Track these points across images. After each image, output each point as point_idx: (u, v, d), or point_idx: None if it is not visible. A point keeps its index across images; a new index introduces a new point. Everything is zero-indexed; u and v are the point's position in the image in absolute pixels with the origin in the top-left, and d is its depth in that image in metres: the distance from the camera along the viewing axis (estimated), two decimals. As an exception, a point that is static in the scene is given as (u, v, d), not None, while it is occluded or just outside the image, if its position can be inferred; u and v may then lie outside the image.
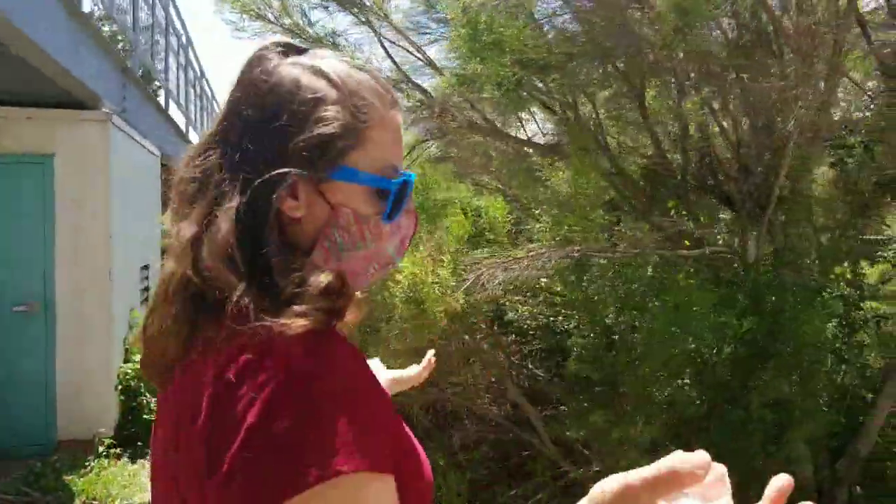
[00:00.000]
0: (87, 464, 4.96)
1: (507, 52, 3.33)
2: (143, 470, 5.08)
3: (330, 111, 0.78)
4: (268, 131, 0.77)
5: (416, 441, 0.84)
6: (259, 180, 0.75)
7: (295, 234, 0.79)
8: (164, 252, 1.40)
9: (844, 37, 3.36)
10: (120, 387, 5.56)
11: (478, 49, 3.34)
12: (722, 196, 4.06)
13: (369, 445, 0.67)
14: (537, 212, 4.43)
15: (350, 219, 0.80)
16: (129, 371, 5.58)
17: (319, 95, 0.78)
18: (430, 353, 1.48)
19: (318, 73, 0.80)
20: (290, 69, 0.80)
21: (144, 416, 5.52)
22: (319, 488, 0.64)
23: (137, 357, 2.16)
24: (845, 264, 4.09)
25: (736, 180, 3.87)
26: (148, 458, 2.36)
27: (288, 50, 0.83)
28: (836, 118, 3.90)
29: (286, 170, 0.75)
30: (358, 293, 0.87)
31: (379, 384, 0.76)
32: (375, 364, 1.36)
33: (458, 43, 3.53)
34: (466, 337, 4.08)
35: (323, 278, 0.73)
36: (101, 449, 5.15)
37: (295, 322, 0.69)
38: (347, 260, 0.82)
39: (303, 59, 0.82)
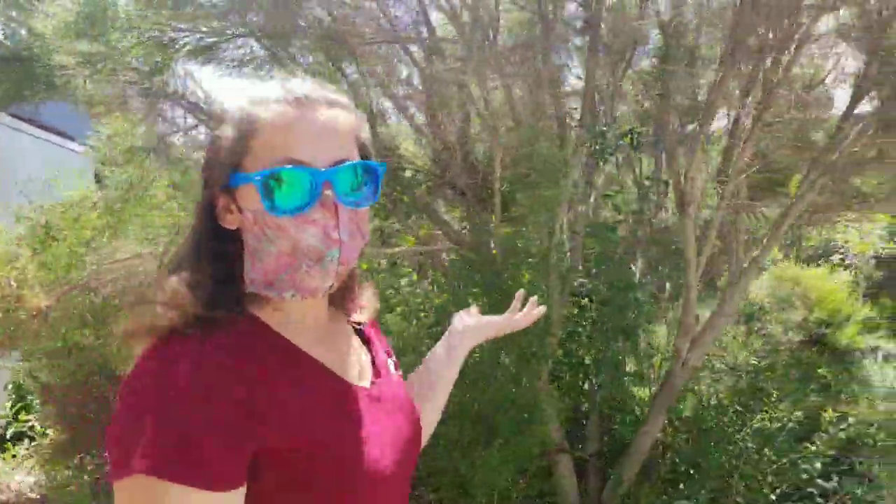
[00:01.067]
0: None
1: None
2: None
3: (221, 128, 0.89)
4: (206, 158, 0.93)
5: (340, 435, 0.88)
6: (198, 203, 0.91)
7: (244, 244, 0.90)
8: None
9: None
10: None
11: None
12: (457, 190, 4.04)
13: (171, 451, 0.74)
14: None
15: (251, 219, 0.87)
16: None
17: (218, 117, 0.91)
18: (520, 293, 1.43)
19: (223, 105, 0.92)
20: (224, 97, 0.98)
21: None
22: (119, 483, 0.75)
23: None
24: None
25: (466, 173, 3.86)
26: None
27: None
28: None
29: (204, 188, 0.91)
30: (302, 290, 0.90)
31: (231, 389, 0.79)
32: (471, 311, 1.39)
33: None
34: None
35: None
36: None
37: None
38: (265, 260, 0.88)
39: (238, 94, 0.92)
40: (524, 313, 1.40)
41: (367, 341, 1.08)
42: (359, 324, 1.08)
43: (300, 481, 0.83)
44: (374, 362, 1.04)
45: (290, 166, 0.84)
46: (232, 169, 0.87)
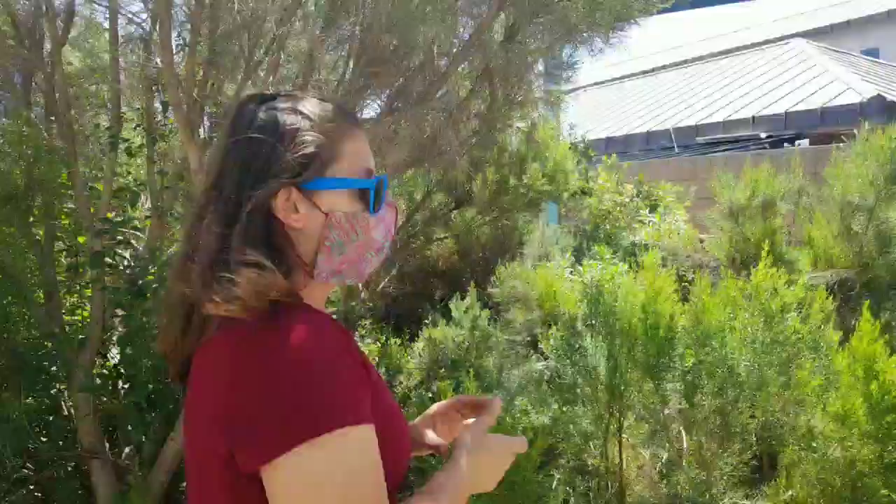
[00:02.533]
0: None
1: None
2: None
3: (307, 136, 0.98)
4: (258, 162, 0.97)
5: (395, 410, 1.03)
6: (255, 194, 0.95)
7: (300, 241, 0.99)
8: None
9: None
10: None
11: None
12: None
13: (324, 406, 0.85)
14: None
15: (342, 219, 1.00)
16: None
17: (296, 126, 0.99)
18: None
19: (292, 110, 1.00)
20: (269, 113, 1.00)
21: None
22: (297, 450, 0.83)
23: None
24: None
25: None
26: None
27: (264, 99, 1.03)
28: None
29: (277, 182, 0.96)
30: (361, 277, 1.06)
31: (343, 353, 0.90)
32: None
33: None
34: None
35: (243, 274, 0.91)
36: None
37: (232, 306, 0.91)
38: (346, 253, 1.01)
39: (276, 103, 1.01)
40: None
41: None
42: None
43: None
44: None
45: (375, 176, 1.04)
46: (318, 174, 0.98)
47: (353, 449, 0.85)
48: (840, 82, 8.26)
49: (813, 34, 14.21)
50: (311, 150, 0.97)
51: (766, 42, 12.25)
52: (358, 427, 0.85)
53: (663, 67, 14.06)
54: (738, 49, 12.46)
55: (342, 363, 0.88)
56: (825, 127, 7.53)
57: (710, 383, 2.48)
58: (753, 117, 8.42)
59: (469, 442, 1.04)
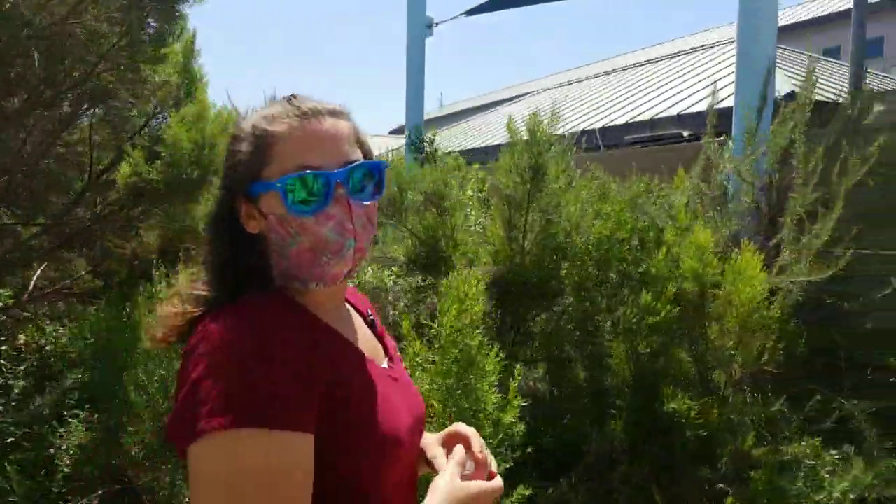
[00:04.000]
0: None
1: None
2: None
3: (242, 144, 1.00)
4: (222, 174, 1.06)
5: (384, 398, 0.99)
6: (214, 206, 1.06)
7: (265, 245, 1.01)
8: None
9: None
10: None
11: None
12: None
13: (244, 402, 0.81)
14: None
15: (275, 222, 0.98)
16: None
17: (236, 133, 1.03)
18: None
19: (243, 118, 1.04)
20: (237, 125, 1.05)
21: None
22: (196, 445, 0.82)
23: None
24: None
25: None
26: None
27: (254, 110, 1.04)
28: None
29: (227, 193, 1.03)
30: (325, 279, 1.00)
31: (274, 348, 0.86)
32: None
33: None
34: None
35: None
36: None
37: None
38: (289, 257, 0.99)
39: (246, 116, 1.04)
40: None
41: (376, 332, 1.19)
42: (368, 315, 1.20)
43: (346, 441, 0.91)
44: (385, 348, 1.17)
45: (306, 171, 0.96)
46: (252, 180, 0.98)
47: (246, 453, 0.80)
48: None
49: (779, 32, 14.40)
50: (241, 157, 0.99)
51: (718, 43, 12.47)
52: (257, 430, 0.80)
53: (613, 70, 14.31)
54: (691, 50, 12.70)
55: (263, 359, 0.84)
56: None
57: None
58: (679, 115, 8.70)
59: (442, 488, 0.98)
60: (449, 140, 11.01)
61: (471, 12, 5.79)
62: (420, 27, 5.87)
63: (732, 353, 2.83)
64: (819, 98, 7.62)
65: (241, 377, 0.82)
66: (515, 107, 13.23)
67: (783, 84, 8.25)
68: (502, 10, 6.04)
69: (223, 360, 0.83)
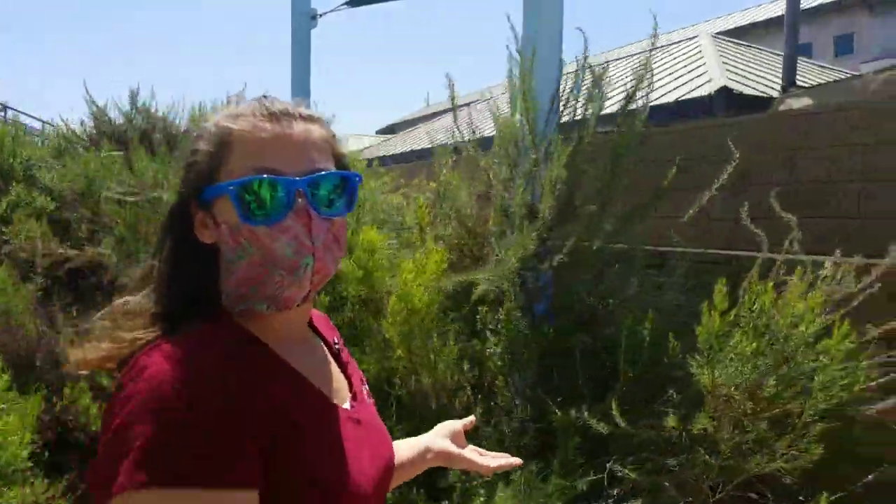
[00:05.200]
0: None
1: None
2: None
3: (200, 144, 0.89)
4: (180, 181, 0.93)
5: (339, 449, 0.88)
6: (167, 214, 0.93)
7: (220, 256, 0.89)
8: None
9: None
10: None
11: None
12: None
13: (163, 459, 0.70)
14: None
15: (226, 231, 0.86)
16: None
17: (197, 134, 0.92)
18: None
19: (202, 127, 0.92)
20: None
21: None
22: (124, 497, 0.70)
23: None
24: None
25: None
26: None
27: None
28: None
29: (178, 198, 0.92)
30: (276, 301, 0.88)
31: (220, 396, 0.76)
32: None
33: None
34: None
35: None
36: None
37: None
38: (238, 270, 0.86)
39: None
40: (495, 463, 1.27)
41: (342, 363, 1.06)
42: (335, 343, 1.08)
43: (296, 492, 0.80)
44: (350, 385, 1.03)
45: (262, 175, 0.84)
46: (207, 182, 0.87)
47: None
48: (706, 76, 8.78)
49: (748, 30, 14.65)
50: (196, 157, 0.89)
51: (683, 40, 12.70)
52: (186, 491, 0.70)
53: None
54: (654, 48, 12.89)
55: (198, 409, 0.73)
56: (679, 118, 8.06)
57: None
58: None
59: None
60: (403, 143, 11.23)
61: (353, 3, 5.84)
62: (304, 18, 5.92)
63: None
64: (754, 93, 7.90)
65: (172, 428, 0.71)
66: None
67: (720, 79, 8.52)
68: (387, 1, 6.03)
69: (152, 406, 0.72)
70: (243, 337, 0.87)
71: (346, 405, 0.97)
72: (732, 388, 2.10)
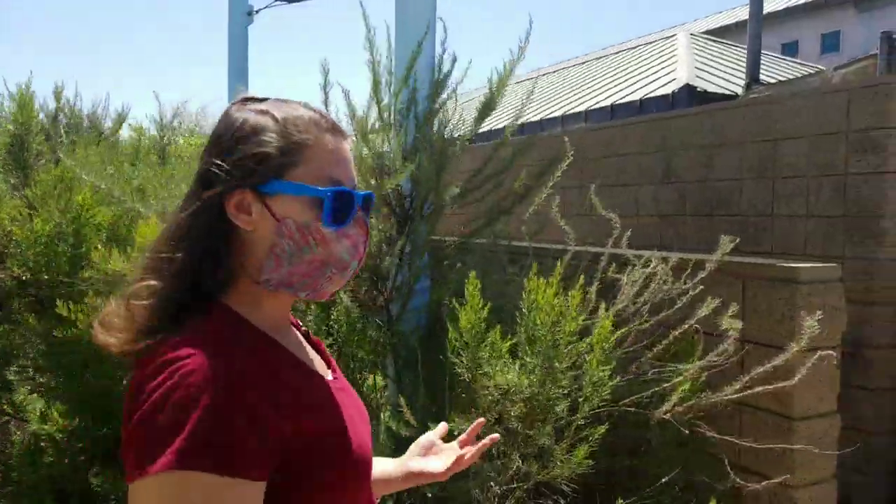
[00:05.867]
0: None
1: None
2: None
3: (267, 136, 0.93)
4: (217, 155, 0.94)
5: (348, 424, 0.96)
6: (206, 196, 0.92)
7: (252, 243, 0.94)
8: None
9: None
10: None
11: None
12: None
13: (197, 446, 0.76)
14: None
15: (293, 227, 0.93)
16: None
17: (260, 125, 0.94)
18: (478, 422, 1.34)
19: (262, 112, 0.96)
20: (242, 113, 0.96)
21: None
22: (142, 481, 0.77)
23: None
24: None
25: None
26: None
27: (248, 100, 0.99)
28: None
29: (231, 182, 0.93)
30: (317, 293, 0.99)
31: (262, 375, 0.85)
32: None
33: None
34: None
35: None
36: None
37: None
38: (297, 264, 0.94)
39: (255, 105, 0.97)
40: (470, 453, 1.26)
41: (312, 341, 1.15)
42: (301, 326, 1.16)
43: (314, 470, 0.88)
44: (326, 359, 1.12)
45: (342, 186, 0.95)
46: (276, 177, 0.93)
47: (190, 497, 0.77)
48: (673, 74, 8.76)
49: (733, 28, 14.58)
50: (268, 150, 0.93)
51: (660, 39, 12.67)
52: (206, 475, 0.76)
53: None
54: (634, 46, 12.90)
55: (224, 396, 0.79)
56: (642, 116, 8.05)
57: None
58: (586, 112, 8.95)
59: None
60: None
61: (289, -1, 5.80)
62: (242, 15, 5.92)
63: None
64: (718, 90, 7.87)
65: (199, 414, 0.77)
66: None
67: (685, 77, 8.50)
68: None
69: (182, 392, 0.79)
70: (249, 328, 0.94)
71: (330, 377, 1.06)
72: (493, 388, 2.07)
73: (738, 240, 2.87)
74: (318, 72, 2.78)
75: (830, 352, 2.45)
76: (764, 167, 4.28)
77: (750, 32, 8.63)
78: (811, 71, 9.42)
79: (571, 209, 5.98)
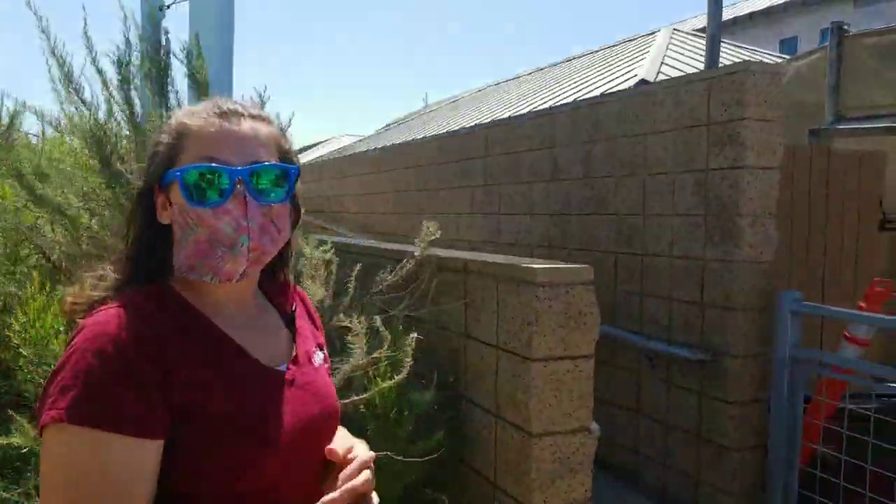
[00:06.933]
0: None
1: None
2: None
3: (161, 135, 1.05)
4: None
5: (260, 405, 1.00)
6: (137, 198, 1.07)
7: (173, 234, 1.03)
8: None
9: None
10: None
11: None
12: None
13: (79, 399, 0.85)
14: None
15: (177, 211, 1.01)
16: None
17: (161, 129, 1.07)
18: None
19: (166, 123, 1.07)
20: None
21: None
22: (44, 433, 0.86)
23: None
24: None
25: None
26: None
27: None
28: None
29: (145, 183, 1.06)
30: (219, 273, 1.02)
31: (120, 350, 0.89)
32: None
33: None
34: None
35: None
36: None
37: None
38: (187, 246, 1.01)
39: None
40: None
41: (296, 334, 1.17)
42: (290, 314, 1.19)
43: (206, 441, 0.92)
44: (293, 350, 1.13)
45: (206, 164, 0.98)
46: (165, 169, 1.02)
47: (78, 450, 0.85)
48: (635, 70, 8.49)
49: (730, 24, 14.18)
50: (161, 148, 1.03)
51: (639, 36, 12.34)
52: (89, 429, 0.84)
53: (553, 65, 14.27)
54: (615, 45, 12.58)
55: (111, 360, 0.87)
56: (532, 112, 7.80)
57: None
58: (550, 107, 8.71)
59: None
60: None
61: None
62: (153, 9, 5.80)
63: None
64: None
65: (89, 376, 0.85)
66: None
67: (642, 73, 8.23)
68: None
69: (76, 356, 0.88)
70: (172, 301, 1.01)
71: (283, 367, 1.08)
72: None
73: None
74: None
75: (581, 361, 2.22)
76: (635, 163, 4.02)
77: (709, 13, 8.31)
78: (769, 60, 9.06)
79: (483, 206, 5.76)
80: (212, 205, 0.98)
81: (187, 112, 1.05)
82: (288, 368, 1.09)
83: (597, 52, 12.55)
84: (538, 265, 2.19)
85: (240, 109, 1.05)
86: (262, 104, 2.81)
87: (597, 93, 8.28)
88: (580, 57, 12.80)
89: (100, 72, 2.41)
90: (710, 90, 3.50)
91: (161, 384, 0.90)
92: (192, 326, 1.00)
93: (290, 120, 2.67)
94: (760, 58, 10.90)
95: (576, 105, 4.68)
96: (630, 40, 12.38)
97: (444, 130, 8.98)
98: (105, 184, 2.32)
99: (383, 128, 17.04)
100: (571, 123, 4.60)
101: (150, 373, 0.89)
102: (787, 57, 11.26)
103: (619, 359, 4.19)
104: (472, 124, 7.56)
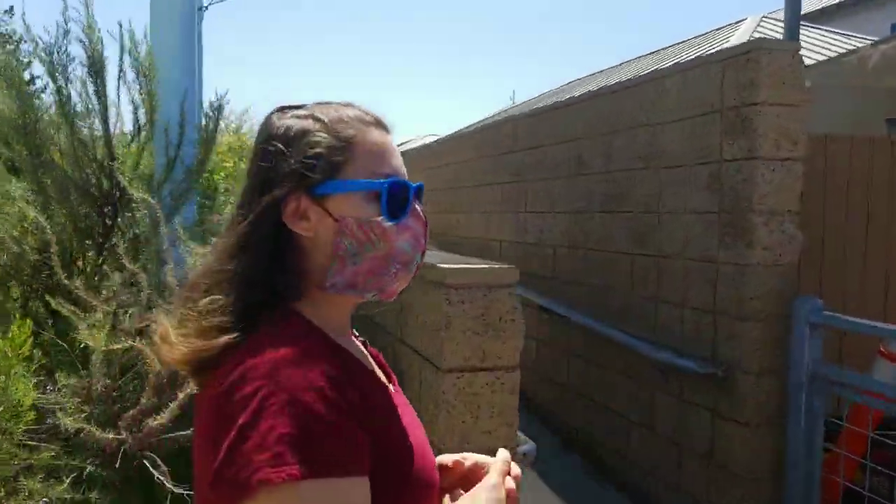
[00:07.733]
0: None
1: None
2: None
3: (315, 138, 0.91)
4: (267, 170, 0.91)
5: (416, 439, 0.93)
6: (263, 204, 0.90)
7: (313, 252, 0.92)
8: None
9: None
10: None
11: None
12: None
13: (306, 451, 0.73)
14: None
15: (353, 225, 0.91)
16: None
17: (306, 128, 0.92)
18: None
19: (305, 116, 0.94)
20: (285, 121, 0.95)
21: None
22: (266, 492, 0.72)
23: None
24: None
25: None
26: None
27: (286, 108, 0.98)
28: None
29: (283, 188, 0.90)
30: (384, 292, 0.96)
31: (344, 380, 0.82)
32: None
33: None
34: None
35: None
36: None
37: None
38: (362, 262, 0.92)
39: (296, 111, 0.96)
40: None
41: (368, 350, 1.10)
42: (356, 335, 1.09)
43: (388, 479, 0.84)
44: (384, 369, 1.07)
45: (396, 178, 0.93)
46: (329, 178, 0.91)
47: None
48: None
49: (835, 10, 13.11)
50: (318, 150, 0.91)
51: (727, 25, 11.54)
52: (325, 480, 0.74)
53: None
54: (707, 32, 11.83)
55: (323, 400, 0.77)
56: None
57: None
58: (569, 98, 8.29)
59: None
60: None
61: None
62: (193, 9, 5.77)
63: None
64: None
65: (305, 421, 0.74)
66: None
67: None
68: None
69: (282, 403, 0.75)
70: (320, 334, 0.90)
71: (392, 388, 1.01)
72: None
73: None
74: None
75: (502, 373, 1.97)
76: (651, 155, 3.66)
77: (786, 16, 7.63)
78: (852, 48, 8.20)
79: (509, 205, 5.49)
80: (398, 221, 0.92)
81: (339, 117, 0.94)
82: (395, 389, 1.02)
83: (686, 41, 11.87)
84: (450, 265, 1.96)
85: (384, 121, 0.98)
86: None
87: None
88: (671, 46, 12.15)
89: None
90: (725, 72, 3.11)
91: (362, 421, 0.81)
92: (347, 357, 0.91)
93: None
94: (857, 45, 9.92)
95: (592, 95, 4.35)
96: (719, 29, 11.64)
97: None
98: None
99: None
100: (595, 114, 4.27)
101: (356, 409, 0.80)
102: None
103: (634, 369, 3.84)
104: (503, 117, 7.27)
